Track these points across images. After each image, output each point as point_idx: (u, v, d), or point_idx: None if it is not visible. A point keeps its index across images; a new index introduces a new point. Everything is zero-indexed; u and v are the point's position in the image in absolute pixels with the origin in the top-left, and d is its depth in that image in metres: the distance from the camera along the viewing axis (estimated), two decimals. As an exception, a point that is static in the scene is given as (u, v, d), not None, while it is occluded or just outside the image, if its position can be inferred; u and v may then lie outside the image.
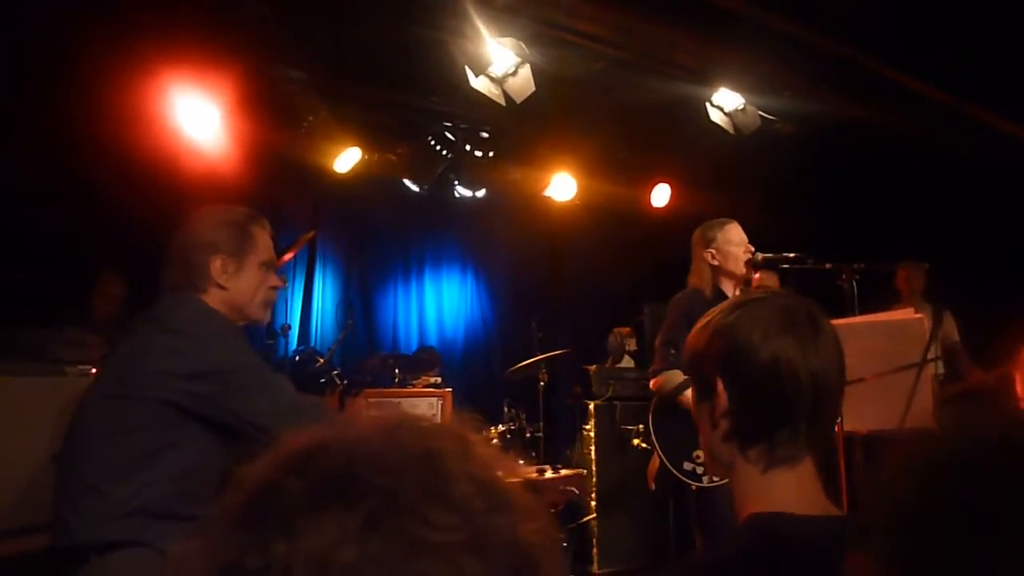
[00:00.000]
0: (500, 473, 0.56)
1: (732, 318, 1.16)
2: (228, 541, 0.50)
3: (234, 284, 2.02)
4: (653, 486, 4.17)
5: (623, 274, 6.33)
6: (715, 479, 2.98)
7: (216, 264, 1.99)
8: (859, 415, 1.82)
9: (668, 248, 3.98)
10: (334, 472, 0.51)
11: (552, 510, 4.04)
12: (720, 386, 1.15)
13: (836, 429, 1.78)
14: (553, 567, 0.54)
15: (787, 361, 1.09)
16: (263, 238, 2.10)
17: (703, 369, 1.19)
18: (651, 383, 3.26)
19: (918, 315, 2.19)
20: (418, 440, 0.55)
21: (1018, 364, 1.90)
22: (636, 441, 4.85)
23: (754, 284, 4.13)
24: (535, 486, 3.85)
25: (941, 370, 4.67)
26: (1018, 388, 1.92)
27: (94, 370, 2.84)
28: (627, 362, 5.83)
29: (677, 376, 3.15)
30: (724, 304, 1.21)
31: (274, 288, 2.13)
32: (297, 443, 0.55)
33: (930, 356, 4.24)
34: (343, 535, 0.48)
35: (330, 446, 0.54)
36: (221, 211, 2.09)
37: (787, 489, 1.10)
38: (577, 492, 4.18)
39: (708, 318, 1.21)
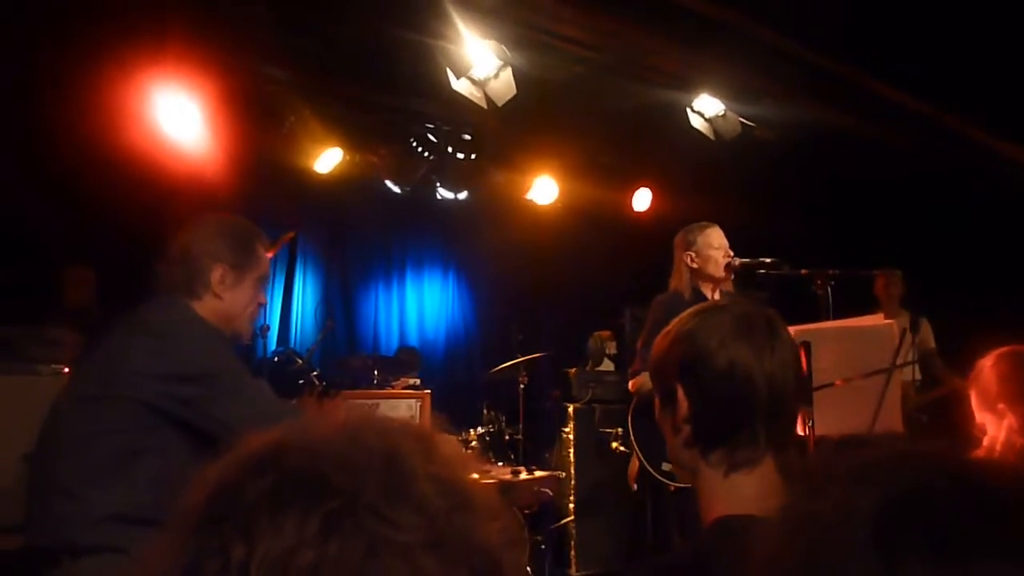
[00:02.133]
0: (464, 473, 0.56)
1: (690, 325, 1.19)
2: (188, 543, 0.49)
3: (230, 296, 2.02)
4: (635, 487, 4.19)
5: (604, 277, 6.35)
6: (691, 481, 3.01)
7: (217, 273, 2.00)
8: (830, 419, 1.84)
9: (649, 252, 4.01)
10: (295, 472, 0.51)
11: (526, 512, 4.05)
12: (680, 392, 1.17)
13: (807, 433, 1.80)
14: (515, 567, 0.54)
15: (743, 366, 1.12)
16: (263, 255, 2.11)
17: (664, 376, 1.22)
18: (629, 384, 3.29)
19: (888, 321, 2.22)
20: (381, 440, 0.54)
21: (972, 379, 1.94)
22: (615, 444, 4.87)
23: None
24: (507, 487, 3.86)
25: (918, 376, 4.73)
26: (972, 401, 1.96)
27: (67, 369, 2.82)
28: (607, 365, 5.84)
29: (655, 378, 3.17)
30: (685, 312, 1.24)
31: (260, 305, 2.15)
32: (259, 443, 0.55)
33: (906, 361, 4.31)
34: (302, 538, 0.47)
35: (292, 445, 0.54)
36: (229, 222, 2.10)
37: (749, 491, 1.12)
38: (551, 494, 4.18)
39: (671, 325, 1.24)
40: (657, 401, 1.25)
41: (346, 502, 0.49)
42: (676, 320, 1.24)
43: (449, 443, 0.59)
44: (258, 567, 0.47)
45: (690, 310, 1.24)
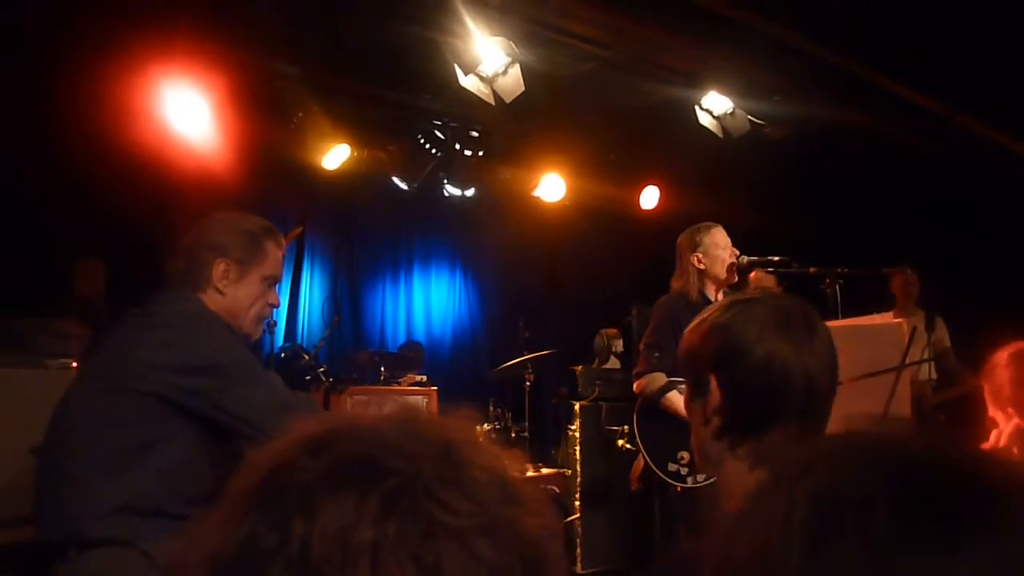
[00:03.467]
0: (510, 468, 0.57)
1: (727, 316, 1.17)
2: (244, 518, 0.50)
3: (232, 291, 2.01)
4: (635, 487, 4.18)
5: (611, 275, 6.34)
6: (699, 480, 2.99)
7: (219, 267, 1.99)
8: (838, 419, 1.83)
9: (657, 250, 3.99)
10: (351, 456, 0.52)
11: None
12: (713, 383, 1.16)
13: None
14: (559, 559, 0.56)
15: (780, 360, 1.11)
16: (274, 253, 2.08)
17: (697, 366, 1.20)
18: (634, 385, 3.28)
19: (897, 320, 2.21)
20: (434, 430, 0.56)
21: (986, 374, 1.92)
22: (621, 442, 4.86)
23: (752, 284, 4.16)
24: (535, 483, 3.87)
25: (934, 375, 4.71)
26: (987, 397, 1.94)
27: (75, 364, 2.83)
28: (613, 363, 5.83)
29: (660, 379, 3.16)
30: (720, 302, 1.23)
31: (270, 305, 2.12)
32: (310, 429, 0.55)
33: (922, 359, 4.28)
34: (361, 515, 0.48)
35: (345, 433, 0.54)
36: (240, 217, 2.09)
37: None
38: (557, 491, 4.18)
39: (704, 315, 1.22)
40: (687, 389, 1.24)
41: (404, 483, 0.50)
42: (711, 309, 1.22)
43: (491, 440, 0.60)
44: (318, 542, 0.47)
45: (725, 300, 1.23)
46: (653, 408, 3.17)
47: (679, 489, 3.07)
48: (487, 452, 0.56)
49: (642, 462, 3.22)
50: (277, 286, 2.16)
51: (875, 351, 1.96)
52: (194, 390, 1.84)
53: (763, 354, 1.11)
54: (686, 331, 1.24)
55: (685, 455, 3.03)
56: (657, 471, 3.09)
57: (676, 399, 3.06)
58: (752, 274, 4.30)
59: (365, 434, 0.54)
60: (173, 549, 0.54)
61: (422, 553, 0.48)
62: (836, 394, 1.17)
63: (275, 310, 2.22)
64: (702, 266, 3.23)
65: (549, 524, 0.56)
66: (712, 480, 1.22)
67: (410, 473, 0.51)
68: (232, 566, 0.49)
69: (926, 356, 4.25)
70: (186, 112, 4.21)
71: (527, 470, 4.13)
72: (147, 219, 3.91)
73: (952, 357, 4.85)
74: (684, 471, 3.05)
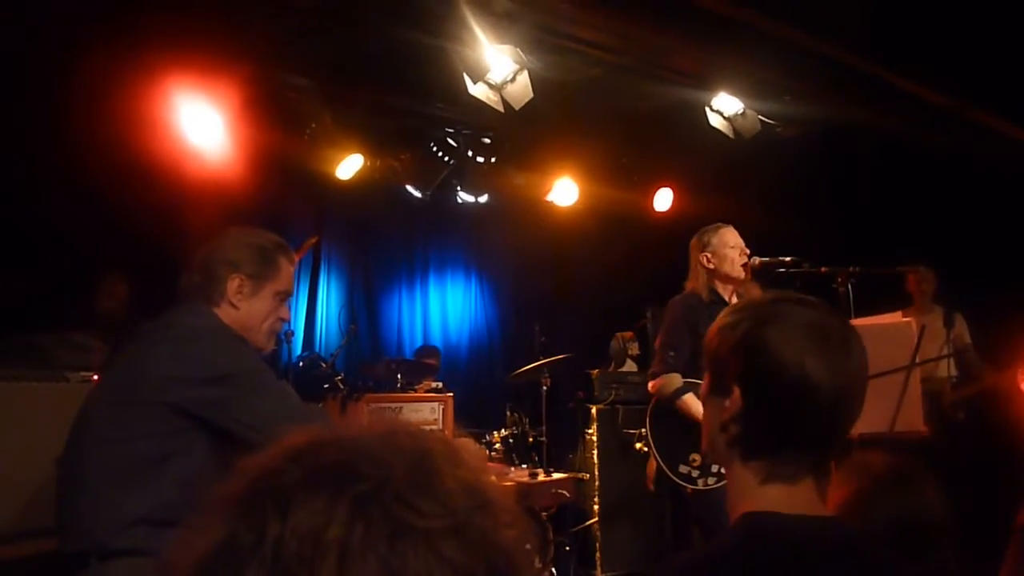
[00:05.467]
0: (488, 479, 0.59)
1: (763, 333, 1.11)
2: (226, 520, 0.53)
3: (246, 306, 2.05)
4: (652, 487, 4.18)
5: (626, 278, 6.34)
6: (709, 483, 3.00)
7: (234, 283, 2.03)
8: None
9: (671, 252, 3.99)
10: (329, 462, 0.55)
11: (544, 513, 4.05)
12: (736, 392, 1.12)
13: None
14: (529, 569, 0.58)
15: (813, 383, 1.06)
16: (286, 269, 2.13)
17: (721, 371, 1.16)
18: (649, 386, 3.28)
19: (907, 319, 2.20)
20: (412, 441, 0.58)
21: (1022, 364, 1.85)
22: (639, 445, 4.86)
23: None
24: (525, 490, 3.87)
25: (954, 372, 4.67)
26: (1021, 387, 1.89)
27: (96, 377, 2.88)
28: (629, 366, 5.83)
29: (676, 380, 3.16)
30: (752, 309, 1.16)
31: (282, 320, 2.16)
32: (294, 439, 0.59)
33: (939, 355, 4.24)
34: (331, 516, 0.51)
35: (326, 442, 0.57)
36: (253, 233, 2.13)
37: (780, 502, 1.09)
38: (568, 495, 4.18)
39: (733, 320, 1.16)
40: (707, 384, 1.21)
41: (374, 488, 0.53)
42: (742, 315, 1.16)
43: (474, 451, 0.62)
44: (290, 541, 0.50)
45: (763, 302, 1.16)
46: (667, 409, 3.18)
47: (690, 491, 3.07)
48: (465, 464, 0.58)
49: (655, 463, 3.22)
50: (289, 300, 2.19)
51: (885, 350, 1.95)
52: (209, 401, 1.87)
53: (796, 376, 1.06)
54: (711, 329, 1.19)
55: (697, 457, 3.04)
56: (669, 473, 3.10)
57: (692, 402, 3.06)
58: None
59: (345, 443, 0.57)
60: (165, 551, 0.57)
61: (389, 553, 0.50)
62: (859, 415, 1.13)
63: (291, 320, 2.25)
64: (711, 266, 3.25)
65: (522, 535, 0.58)
66: (722, 483, 1.21)
67: (382, 478, 0.53)
68: (213, 567, 0.52)
69: (945, 353, 4.21)
70: (201, 124, 4.26)
71: (536, 476, 4.14)
72: (165, 232, 3.96)
73: (972, 353, 4.80)
74: (695, 473, 3.05)
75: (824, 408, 1.07)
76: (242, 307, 2.05)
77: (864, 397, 1.12)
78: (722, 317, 1.19)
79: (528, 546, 0.59)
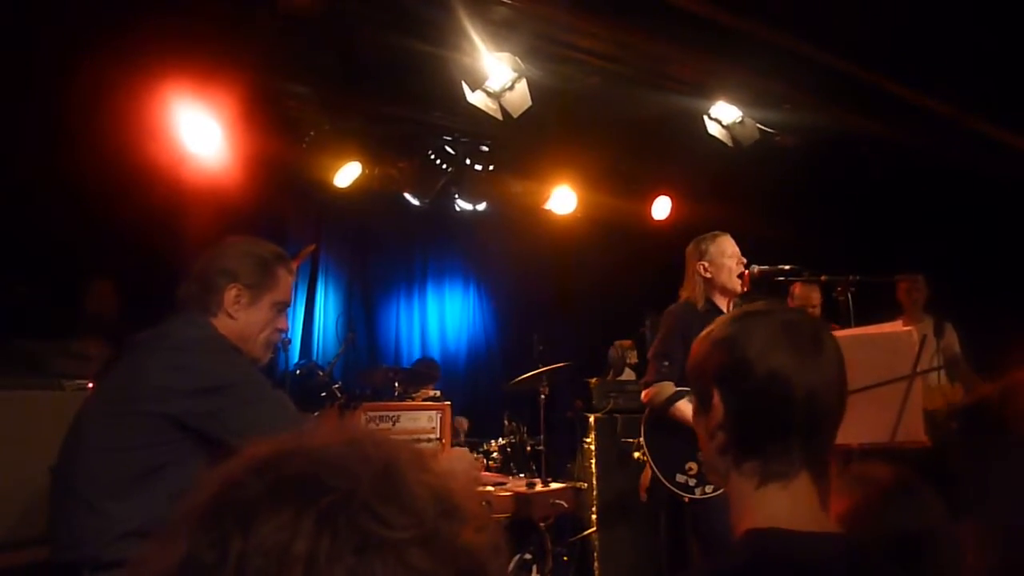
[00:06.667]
0: (457, 485, 0.58)
1: (731, 330, 1.16)
2: (187, 536, 0.52)
3: (244, 316, 2.03)
4: (644, 497, 4.16)
5: (624, 287, 6.33)
6: (707, 491, 2.97)
7: (231, 292, 2.01)
8: (849, 429, 1.81)
9: (669, 260, 3.98)
10: (294, 474, 0.54)
11: (542, 523, 4.03)
12: (716, 398, 1.15)
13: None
14: (499, 573, 0.56)
15: (783, 378, 1.09)
16: (285, 280, 2.11)
17: (701, 381, 1.19)
18: (643, 395, 3.26)
19: (907, 328, 2.19)
20: (377, 450, 0.57)
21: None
22: (637, 454, 4.83)
23: (796, 298, 4.16)
24: (522, 500, 3.85)
25: (945, 382, 4.66)
26: None
27: (91, 384, 2.86)
28: (628, 375, 5.82)
29: (669, 388, 3.14)
30: (726, 316, 1.21)
31: (280, 331, 2.14)
32: (259, 449, 0.57)
33: (932, 366, 4.23)
34: (297, 531, 0.50)
35: (291, 451, 0.56)
36: (252, 243, 2.11)
37: (780, 505, 1.09)
38: (566, 505, 4.16)
39: (711, 328, 1.21)
40: (694, 404, 1.23)
41: (340, 500, 0.51)
42: (717, 322, 1.20)
43: (468, 461, 0.61)
44: (254, 557, 0.49)
45: (732, 313, 1.21)
46: (661, 418, 3.15)
47: (687, 500, 3.05)
48: (432, 471, 0.57)
49: (650, 472, 3.20)
50: (287, 311, 2.18)
51: (885, 359, 1.94)
52: (204, 411, 1.85)
53: (765, 371, 1.09)
54: (694, 343, 1.23)
55: (693, 466, 3.01)
56: (665, 482, 3.07)
57: (685, 408, 3.04)
58: (795, 288, 4.28)
59: (310, 453, 0.56)
60: (128, 569, 0.55)
61: (356, 566, 0.49)
62: (845, 409, 1.15)
63: (289, 330, 2.23)
64: (708, 275, 3.22)
65: (492, 540, 0.57)
66: (720, 491, 1.21)
67: (347, 489, 0.52)
68: None
69: (936, 363, 4.20)
70: (199, 131, 4.26)
71: (534, 485, 4.12)
72: (161, 239, 3.96)
73: (963, 364, 4.79)
74: (692, 482, 3.03)
75: (798, 401, 1.08)
76: (239, 317, 2.03)
77: (844, 396, 1.14)
78: (705, 328, 1.22)
79: (498, 550, 0.57)
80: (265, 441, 0.58)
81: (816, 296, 4.19)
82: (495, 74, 4.09)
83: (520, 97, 4.13)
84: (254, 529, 0.50)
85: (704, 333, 1.21)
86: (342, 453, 0.56)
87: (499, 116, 4.19)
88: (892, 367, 1.93)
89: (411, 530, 0.52)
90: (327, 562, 0.49)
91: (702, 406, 1.19)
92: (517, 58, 4.05)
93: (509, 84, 4.13)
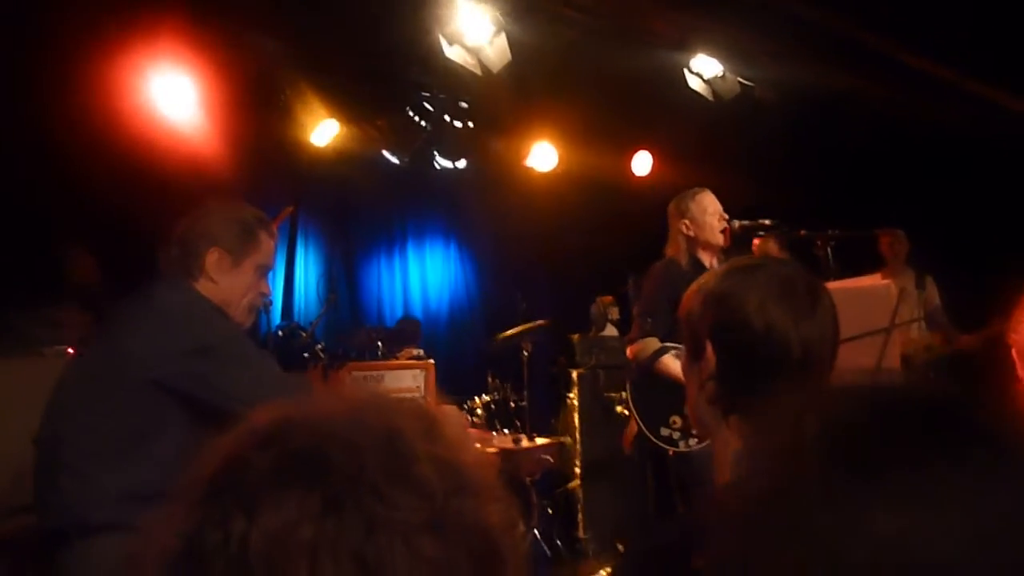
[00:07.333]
0: (465, 455, 0.57)
1: (727, 284, 1.16)
2: (192, 514, 0.51)
3: (226, 280, 2.03)
4: (628, 449, 4.22)
5: (605, 243, 6.33)
6: (691, 444, 3.02)
7: (212, 256, 2.00)
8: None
9: (651, 217, 3.98)
10: (298, 450, 0.52)
11: (529, 479, 4.09)
12: (709, 349, 1.15)
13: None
14: (512, 550, 0.55)
15: (780, 332, 1.10)
16: (267, 243, 2.11)
17: (695, 332, 1.19)
18: (628, 351, 3.29)
19: (886, 281, 2.21)
20: (382, 419, 0.56)
21: (1013, 330, 1.78)
22: (620, 408, 4.90)
23: (755, 251, 4.18)
24: (509, 456, 3.88)
25: (925, 334, 4.74)
26: (1015, 356, 1.82)
27: (71, 350, 2.84)
28: (610, 331, 5.86)
29: (653, 343, 3.17)
30: (723, 267, 1.22)
31: (262, 295, 2.14)
32: (263, 419, 0.56)
33: (912, 318, 4.29)
34: (302, 514, 0.49)
35: (296, 423, 0.55)
36: (233, 207, 2.11)
37: None
38: (552, 461, 4.22)
39: (705, 280, 1.21)
40: (685, 353, 1.24)
41: (347, 482, 0.50)
42: (712, 274, 1.21)
43: (452, 422, 0.60)
44: (257, 540, 0.48)
45: (726, 266, 1.22)
46: (646, 373, 3.19)
47: (671, 453, 3.10)
48: (441, 440, 0.56)
49: (635, 427, 3.25)
50: (269, 274, 2.17)
51: (864, 313, 1.96)
52: (191, 374, 1.86)
53: (762, 325, 1.10)
54: (685, 295, 1.23)
55: (677, 420, 3.06)
56: (649, 436, 3.12)
57: (670, 362, 3.07)
58: (755, 240, 4.32)
59: (314, 425, 0.54)
60: (132, 543, 0.55)
61: (364, 550, 0.48)
62: (835, 361, 1.16)
63: (271, 293, 2.23)
64: (691, 232, 3.24)
65: (505, 512, 0.56)
66: (704, 445, 1.22)
67: (354, 469, 0.51)
68: (180, 563, 0.50)
69: (916, 315, 4.27)
70: (172, 95, 4.16)
71: (519, 441, 4.16)
72: (136, 204, 3.89)
73: (942, 315, 4.87)
74: (676, 435, 3.07)
75: (793, 356, 1.09)
76: (221, 281, 2.02)
77: (836, 350, 1.15)
78: (696, 281, 1.22)
79: (511, 524, 0.56)
80: (266, 409, 0.57)
81: (774, 249, 4.23)
82: (473, 28, 4.02)
83: (499, 52, 4.08)
84: (258, 511, 0.49)
85: (695, 286, 1.21)
86: (345, 423, 0.54)
87: (478, 71, 4.13)
88: (871, 321, 1.96)
89: (420, 513, 0.51)
90: (332, 547, 0.48)
91: (694, 357, 1.20)
92: (496, 11, 3.98)
93: (488, 39, 4.07)
